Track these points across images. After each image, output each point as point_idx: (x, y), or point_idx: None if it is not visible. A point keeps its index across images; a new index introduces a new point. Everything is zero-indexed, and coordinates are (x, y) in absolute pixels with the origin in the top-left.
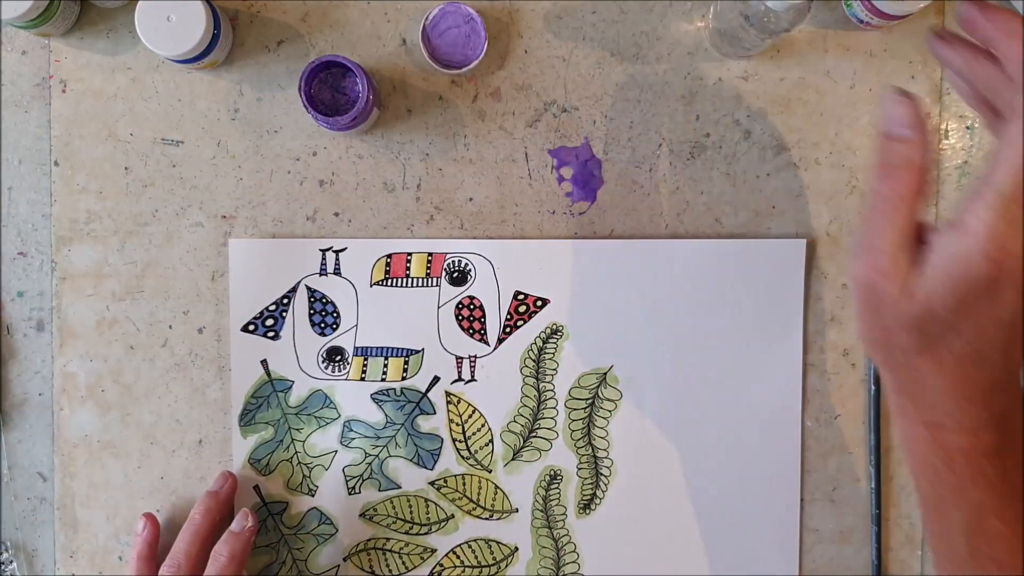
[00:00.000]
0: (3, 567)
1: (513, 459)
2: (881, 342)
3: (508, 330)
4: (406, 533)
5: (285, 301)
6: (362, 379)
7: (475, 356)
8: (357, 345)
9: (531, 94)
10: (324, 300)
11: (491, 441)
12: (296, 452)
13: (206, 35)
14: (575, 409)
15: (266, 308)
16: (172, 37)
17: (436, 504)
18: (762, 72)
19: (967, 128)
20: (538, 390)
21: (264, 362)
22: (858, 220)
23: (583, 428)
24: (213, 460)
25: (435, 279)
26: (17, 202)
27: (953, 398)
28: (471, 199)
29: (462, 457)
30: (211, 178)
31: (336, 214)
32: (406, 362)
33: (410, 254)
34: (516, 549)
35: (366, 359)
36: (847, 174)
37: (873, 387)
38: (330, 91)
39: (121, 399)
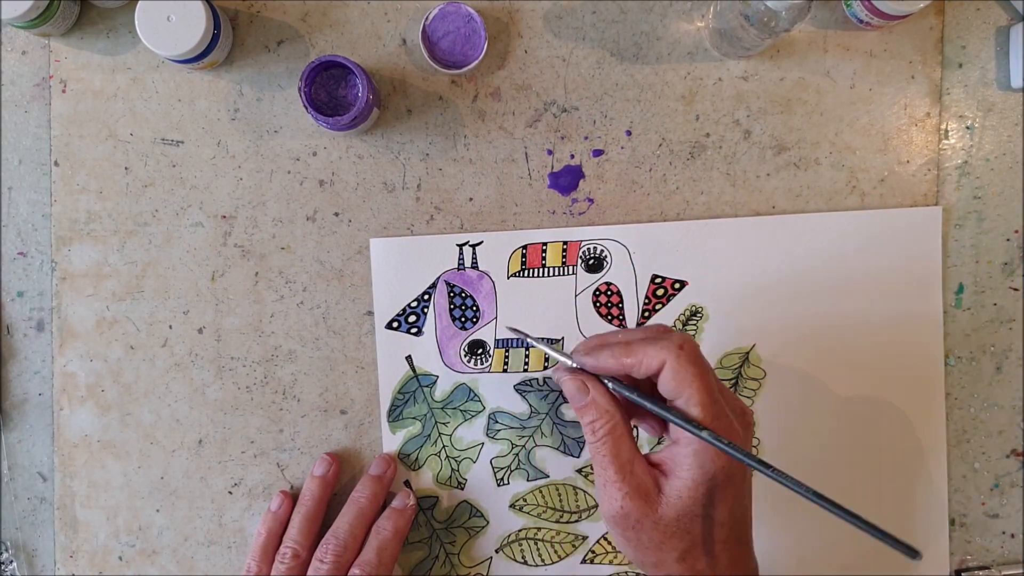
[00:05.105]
0: (3, 567)
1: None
2: (656, 562)
3: (647, 314)
4: (556, 522)
5: (426, 297)
6: (504, 371)
7: None
8: (498, 337)
9: (531, 94)
10: (463, 294)
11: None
12: (444, 446)
13: (206, 35)
14: None
15: (408, 305)
16: (172, 37)
17: (584, 491)
18: (762, 72)
19: (967, 128)
20: None
21: (409, 358)
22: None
23: None
24: (213, 460)
25: (571, 267)
26: (17, 202)
27: None
28: (471, 199)
29: None
30: (211, 178)
31: (336, 214)
32: None
33: (545, 244)
34: None
35: (507, 351)
36: (847, 174)
37: None
38: (330, 91)
39: (121, 399)
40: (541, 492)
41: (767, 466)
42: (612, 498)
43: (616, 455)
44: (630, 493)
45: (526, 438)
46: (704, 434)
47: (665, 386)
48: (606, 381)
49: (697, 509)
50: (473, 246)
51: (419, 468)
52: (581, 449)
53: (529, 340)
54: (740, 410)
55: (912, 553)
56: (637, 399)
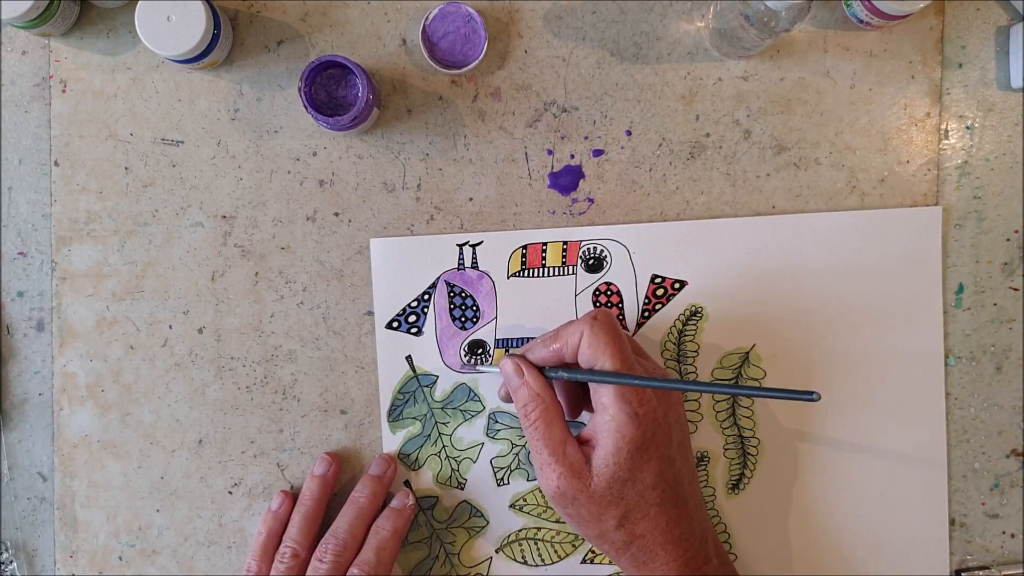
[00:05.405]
0: (3, 567)
1: None
2: (599, 534)
3: (647, 314)
4: (556, 522)
5: (426, 297)
6: None
7: None
8: (498, 337)
9: (531, 94)
10: (463, 294)
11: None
12: (444, 446)
13: (206, 35)
14: None
15: (408, 305)
16: (172, 37)
17: None
18: (762, 72)
19: (967, 128)
20: (680, 373)
21: (409, 358)
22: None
23: (728, 409)
24: (213, 460)
25: (571, 267)
26: (17, 202)
27: (677, 543)
28: (471, 199)
29: None
30: (211, 178)
31: (336, 214)
32: None
33: (545, 244)
34: None
35: (508, 351)
36: (847, 174)
37: None
38: (330, 91)
39: (121, 399)
40: (541, 492)
41: (669, 381)
42: (548, 479)
43: (549, 438)
44: (564, 473)
45: (526, 438)
46: (616, 378)
47: (584, 355)
48: (543, 370)
49: (624, 474)
50: (473, 246)
51: (419, 468)
52: None
53: (479, 369)
54: (660, 373)
55: (808, 395)
56: (567, 374)
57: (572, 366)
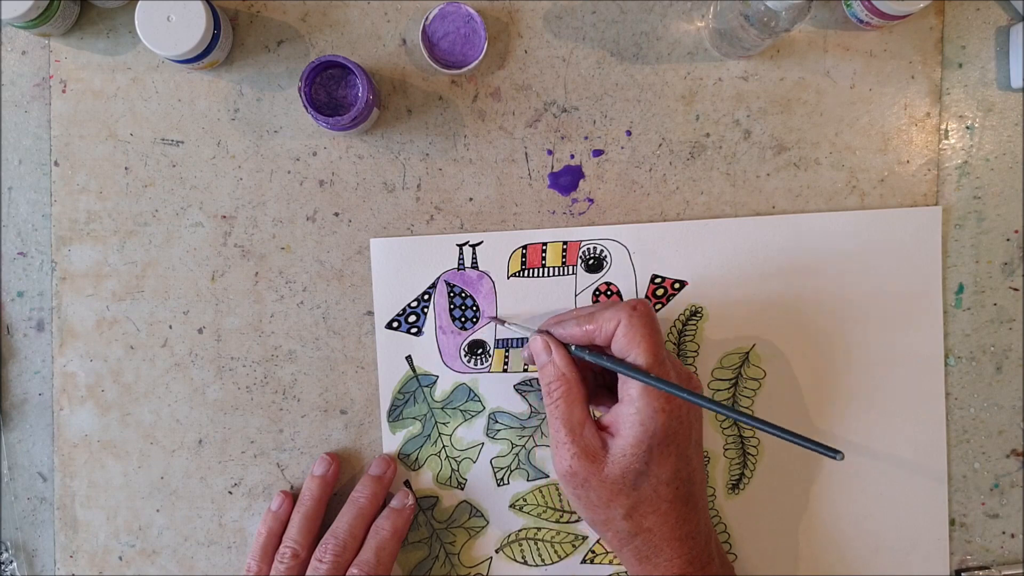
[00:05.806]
0: (3, 567)
1: None
2: (604, 520)
3: None
4: (556, 522)
5: (426, 297)
6: (504, 371)
7: None
8: (498, 337)
9: (531, 94)
10: (463, 294)
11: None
12: (444, 446)
13: (206, 35)
14: (719, 390)
15: (408, 305)
16: (172, 37)
17: None
18: (762, 72)
19: (967, 128)
20: None
21: (409, 358)
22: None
23: None
24: (213, 460)
25: (571, 267)
26: (17, 202)
27: (683, 541)
28: (471, 199)
29: None
30: (211, 178)
31: (336, 214)
32: None
33: (545, 244)
34: None
35: (507, 351)
36: (847, 174)
37: None
38: (330, 91)
39: (121, 399)
40: (541, 492)
41: (702, 398)
42: (562, 458)
43: (568, 418)
44: (578, 454)
45: (526, 438)
46: (647, 378)
47: (618, 343)
48: (570, 348)
49: (640, 466)
50: (473, 246)
51: (419, 468)
52: None
53: (508, 325)
54: (686, 376)
55: (833, 453)
56: (592, 358)
57: (598, 350)
